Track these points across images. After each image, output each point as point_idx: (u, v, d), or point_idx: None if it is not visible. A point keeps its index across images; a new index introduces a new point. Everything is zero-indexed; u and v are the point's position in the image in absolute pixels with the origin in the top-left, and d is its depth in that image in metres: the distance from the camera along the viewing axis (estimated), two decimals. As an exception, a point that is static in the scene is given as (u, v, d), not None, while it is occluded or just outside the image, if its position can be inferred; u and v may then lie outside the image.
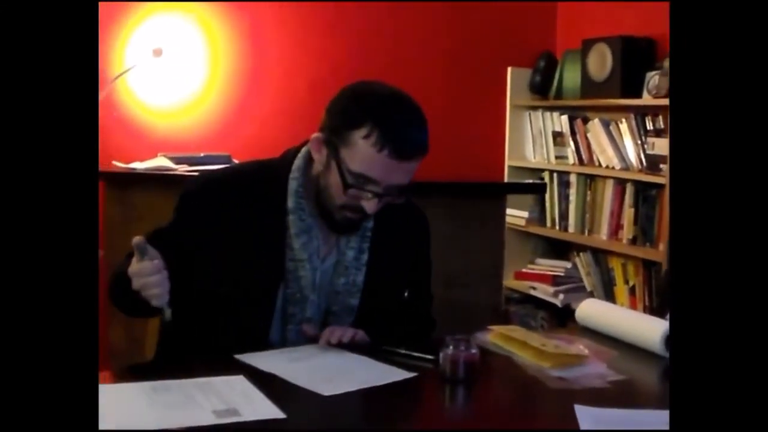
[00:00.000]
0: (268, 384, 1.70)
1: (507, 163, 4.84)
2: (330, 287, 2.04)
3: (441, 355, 1.81)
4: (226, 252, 1.96)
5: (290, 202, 1.99)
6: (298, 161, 2.02)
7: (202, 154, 3.59)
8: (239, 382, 1.72)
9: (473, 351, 1.80)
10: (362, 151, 1.87)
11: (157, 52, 3.83)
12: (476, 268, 3.46)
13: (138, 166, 3.49)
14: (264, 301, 1.99)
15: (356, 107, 1.91)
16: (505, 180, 4.79)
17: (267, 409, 1.57)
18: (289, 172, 2.01)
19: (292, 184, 2.00)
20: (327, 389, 1.72)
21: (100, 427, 1.43)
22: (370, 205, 1.92)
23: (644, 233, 4.15)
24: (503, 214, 3.69)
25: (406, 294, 2.17)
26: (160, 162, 3.51)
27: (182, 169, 3.44)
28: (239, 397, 1.63)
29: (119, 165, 3.52)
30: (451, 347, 1.80)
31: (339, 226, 1.99)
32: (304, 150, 2.04)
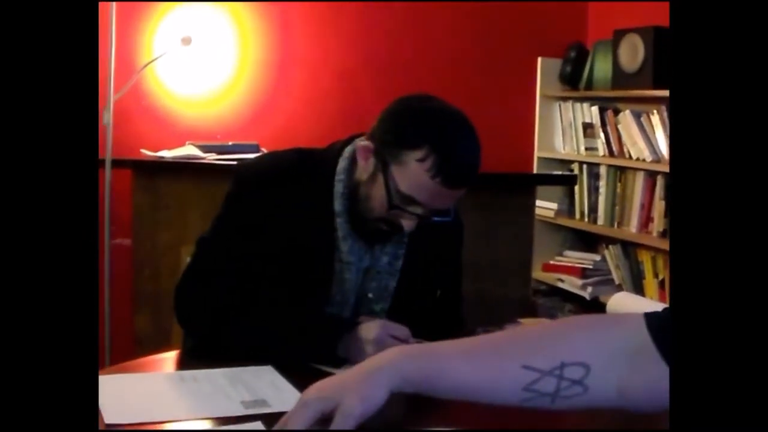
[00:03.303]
0: (297, 375, 1.68)
1: (536, 154, 4.81)
2: (361, 291, 2.02)
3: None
4: (277, 250, 1.94)
5: (337, 205, 1.96)
6: (343, 162, 1.98)
7: (230, 143, 3.59)
8: (268, 372, 1.71)
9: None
10: (414, 174, 1.83)
11: (186, 41, 3.81)
12: (505, 259, 3.44)
13: (166, 154, 3.49)
14: (315, 300, 1.97)
15: (414, 127, 1.85)
16: (535, 171, 4.76)
17: (296, 401, 1.55)
18: (334, 171, 1.98)
19: (338, 186, 1.96)
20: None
21: (127, 418, 1.43)
22: (409, 224, 1.89)
23: (674, 226, 4.09)
24: (532, 206, 3.67)
25: (437, 294, 2.14)
26: (189, 151, 3.51)
27: (210, 157, 3.44)
28: (268, 387, 1.62)
29: (147, 153, 3.52)
30: (481, 340, 1.77)
31: (371, 237, 1.97)
32: (349, 150, 1.99)
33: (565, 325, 1.29)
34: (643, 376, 1.16)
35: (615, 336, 1.21)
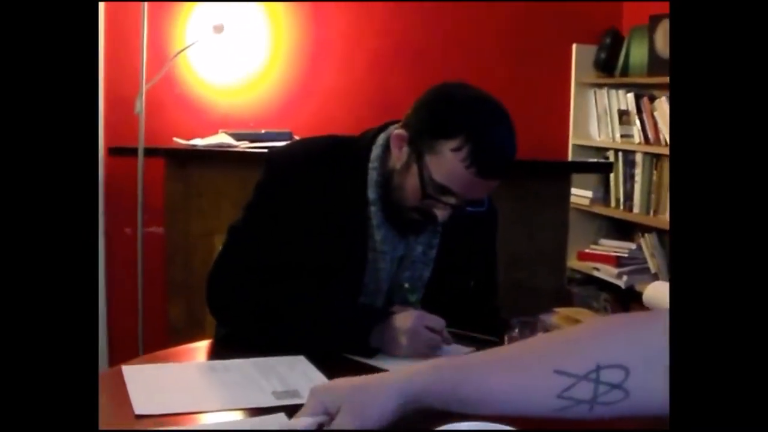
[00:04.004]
0: (330, 365, 1.67)
1: (571, 141, 4.76)
2: (395, 281, 2.00)
3: (506, 338, 1.77)
4: (309, 239, 1.92)
5: (371, 193, 1.93)
6: (376, 149, 1.96)
7: (263, 131, 3.58)
8: (300, 362, 1.69)
9: (540, 334, 1.76)
10: (449, 164, 1.80)
11: (218, 29, 3.79)
12: (540, 248, 3.41)
13: (199, 142, 3.49)
14: (348, 289, 1.95)
15: (449, 116, 1.82)
16: (570, 159, 4.72)
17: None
18: (368, 158, 1.95)
19: (372, 174, 1.94)
20: (391, 366, 1.69)
21: (156, 408, 1.42)
22: (443, 214, 1.87)
23: (712, 214, 4.04)
24: (567, 194, 3.63)
25: (472, 284, 2.11)
26: (221, 139, 3.50)
27: (243, 145, 3.43)
28: (300, 378, 1.60)
29: (180, 142, 3.51)
30: (516, 330, 1.75)
31: (405, 226, 1.95)
32: (382, 138, 1.97)
33: (600, 325, 1.21)
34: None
35: (656, 334, 1.11)
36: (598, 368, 1.11)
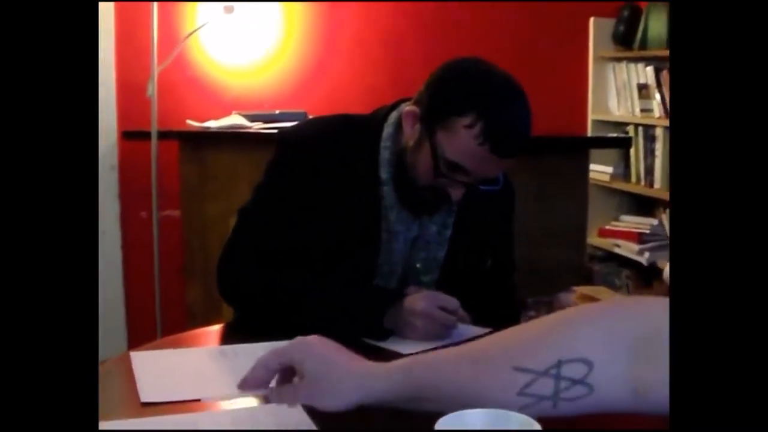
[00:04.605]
0: (342, 347, 1.63)
1: (590, 116, 4.71)
2: (409, 262, 1.96)
3: (523, 318, 1.73)
4: (321, 220, 1.89)
5: (384, 173, 1.90)
6: (388, 128, 1.92)
7: (277, 112, 3.55)
8: (311, 346, 1.66)
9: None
10: (461, 141, 1.76)
11: (229, 9, 3.76)
12: (559, 225, 3.38)
13: (212, 124, 3.46)
14: (362, 271, 1.91)
15: (462, 92, 1.78)
16: (589, 134, 4.67)
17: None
18: (379, 137, 1.92)
19: (384, 154, 1.90)
20: (405, 348, 1.68)
21: (163, 395, 1.39)
22: (457, 193, 1.83)
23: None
24: (586, 170, 3.58)
25: (488, 264, 2.07)
26: (235, 120, 3.47)
27: (257, 126, 3.40)
28: (310, 362, 1.57)
29: (193, 124, 3.48)
30: (533, 311, 1.72)
31: (417, 206, 1.91)
32: (394, 116, 1.93)
33: (565, 318, 1.13)
34: (662, 370, 0.95)
35: (625, 324, 1.06)
36: (560, 363, 1.05)
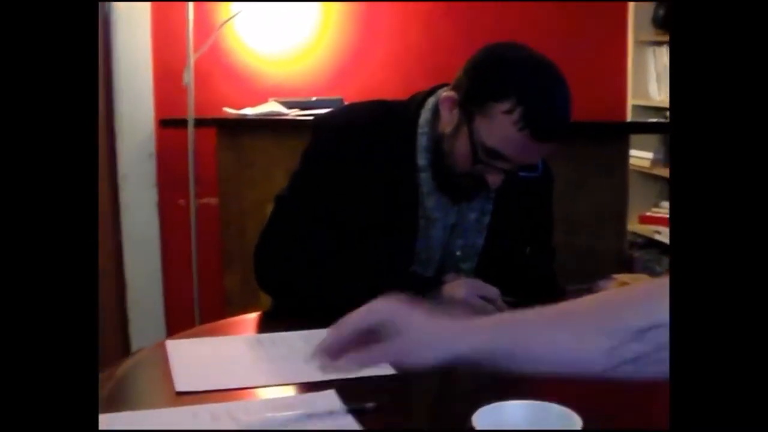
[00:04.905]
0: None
1: (630, 102, 4.65)
2: (447, 249, 1.94)
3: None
4: (358, 207, 1.87)
5: (421, 159, 1.87)
6: (425, 113, 1.89)
7: (314, 98, 3.54)
8: (348, 334, 1.65)
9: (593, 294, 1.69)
10: (500, 127, 1.73)
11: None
12: (599, 211, 3.34)
13: (249, 111, 3.45)
14: (400, 258, 1.89)
15: (500, 76, 1.75)
16: (629, 119, 4.62)
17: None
18: (416, 123, 1.89)
19: (422, 140, 1.88)
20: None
21: (197, 385, 1.38)
22: (495, 179, 1.80)
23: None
24: (626, 156, 3.55)
25: (527, 251, 2.05)
26: (272, 107, 3.47)
27: (294, 113, 3.39)
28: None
29: (230, 111, 3.48)
30: (572, 298, 1.69)
31: (456, 192, 1.88)
32: (431, 102, 1.90)
33: (652, 285, 1.14)
34: None
35: None
36: (648, 327, 1.05)
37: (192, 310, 3.72)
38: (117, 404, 1.34)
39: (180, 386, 1.37)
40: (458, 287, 1.75)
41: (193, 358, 1.51)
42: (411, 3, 4.12)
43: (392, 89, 2.09)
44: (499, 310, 1.75)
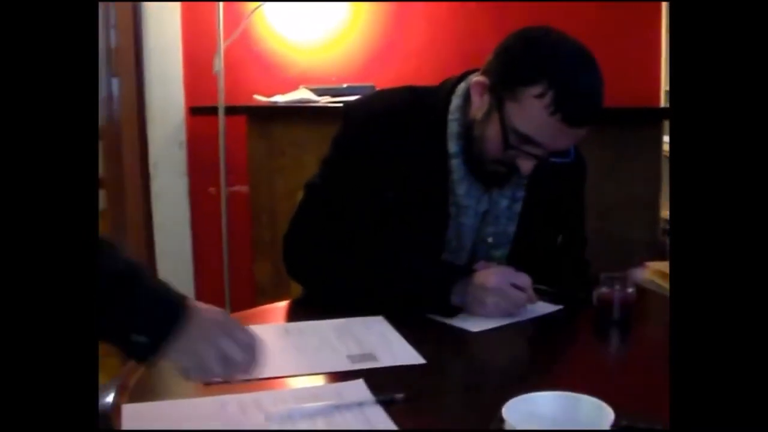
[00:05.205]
0: (409, 326, 1.61)
1: (664, 87, 4.61)
2: (478, 236, 1.92)
3: (594, 295, 1.69)
4: (388, 194, 1.85)
5: (452, 146, 1.85)
6: (456, 99, 1.87)
7: (344, 85, 3.52)
8: (377, 323, 1.64)
9: (629, 290, 1.67)
10: (532, 111, 1.70)
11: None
12: (631, 198, 3.32)
13: (279, 99, 3.44)
14: (430, 246, 1.88)
15: (531, 60, 1.72)
16: (662, 105, 4.57)
17: (406, 354, 1.48)
18: (446, 109, 1.87)
19: (452, 126, 1.85)
20: (473, 325, 1.65)
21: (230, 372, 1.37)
22: (527, 165, 1.77)
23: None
24: (660, 142, 3.51)
25: (559, 240, 2.02)
26: (302, 94, 3.45)
27: (324, 100, 3.37)
28: (377, 340, 1.54)
29: (260, 99, 3.47)
30: (605, 287, 1.67)
31: (487, 179, 1.86)
32: (462, 87, 1.88)
33: None
34: None
35: None
36: None
37: (223, 299, 3.72)
38: (145, 394, 1.34)
39: (207, 375, 1.36)
40: (490, 275, 1.73)
41: (222, 348, 1.50)
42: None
43: (424, 77, 2.07)
44: (531, 298, 1.73)
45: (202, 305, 1.28)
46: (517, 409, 1.01)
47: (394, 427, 1.19)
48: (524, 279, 1.74)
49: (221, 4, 3.52)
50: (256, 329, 1.64)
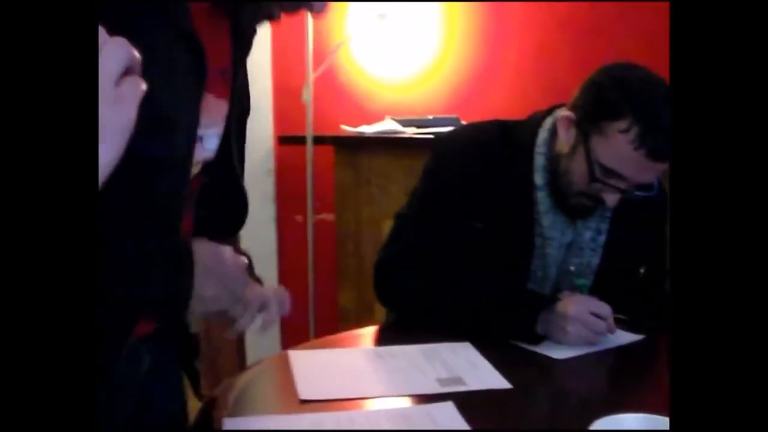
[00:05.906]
0: (495, 352, 1.65)
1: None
2: (562, 267, 1.96)
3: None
4: (476, 225, 1.90)
5: (538, 178, 1.90)
6: (543, 133, 1.92)
7: (430, 117, 3.54)
8: (464, 348, 1.68)
9: None
10: (617, 146, 1.75)
11: (382, 17, 3.71)
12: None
13: (366, 129, 3.50)
14: (516, 276, 1.92)
15: (617, 96, 1.77)
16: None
17: (492, 379, 1.52)
18: (533, 143, 1.92)
19: (539, 159, 1.91)
20: (558, 353, 1.69)
21: (321, 393, 1.43)
22: (612, 198, 1.82)
23: None
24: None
25: (641, 271, 2.05)
26: (388, 125, 3.49)
27: (410, 131, 3.42)
28: (464, 364, 1.59)
29: (348, 129, 3.53)
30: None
31: (572, 211, 1.91)
32: (549, 122, 1.93)
33: None
34: None
35: None
36: None
37: (307, 325, 3.78)
38: (242, 411, 1.40)
39: (304, 394, 1.42)
40: (572, 304, 1.77)
41: (315, 368, 1.56)
42: (531, 27, 4.00)
43: (511, 113, 2.11)
44: (611, 327, 1.76)
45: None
46: (604, 429, 1.05)
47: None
48: (604, 308, 1.77)
49: (311, 35, 3.60)
50: (348, 352, 1.71)
